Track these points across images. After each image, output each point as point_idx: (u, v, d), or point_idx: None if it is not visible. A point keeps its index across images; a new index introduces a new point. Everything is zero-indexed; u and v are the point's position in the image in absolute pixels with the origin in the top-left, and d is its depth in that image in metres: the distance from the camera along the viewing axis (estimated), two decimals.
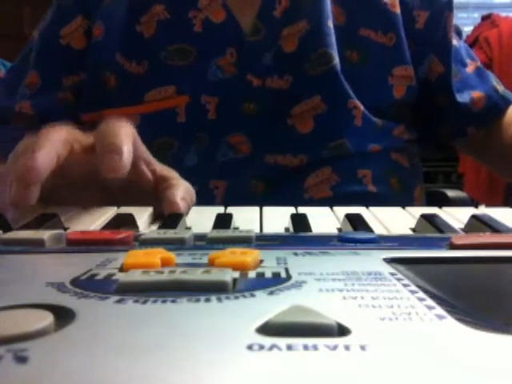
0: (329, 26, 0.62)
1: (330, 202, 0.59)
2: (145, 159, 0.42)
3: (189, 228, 0.35)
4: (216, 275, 0.18)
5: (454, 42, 0.69)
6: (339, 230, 0.34)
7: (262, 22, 0.62)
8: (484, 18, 2.34)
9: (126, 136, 0.37)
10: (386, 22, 0.64)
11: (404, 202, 0.63)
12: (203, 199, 0.59)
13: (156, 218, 0.40)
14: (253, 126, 0.61)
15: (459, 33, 0.73)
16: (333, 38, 0.62)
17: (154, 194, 0.42)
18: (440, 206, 0.42)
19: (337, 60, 0.61)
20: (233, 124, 0.61)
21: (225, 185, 0.60)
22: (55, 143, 0.36)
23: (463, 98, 0.68)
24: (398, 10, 0.65)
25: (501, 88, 0.71)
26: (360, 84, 0.62)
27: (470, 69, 0.70)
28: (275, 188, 0.61)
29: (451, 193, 0.83)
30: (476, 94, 0.68)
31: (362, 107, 0.62)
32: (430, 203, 0.72)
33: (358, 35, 0.64)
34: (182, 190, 0.41)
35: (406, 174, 0.66)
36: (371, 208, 0.40)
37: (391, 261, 0.23)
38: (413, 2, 0.66)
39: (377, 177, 0.63)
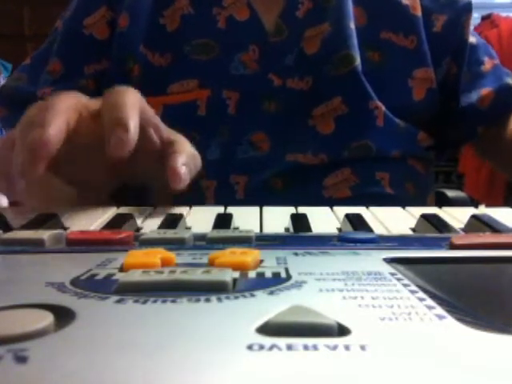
0: (351, 28, 0.62)
1: (349, 202, 0.60)
2: (153, 124, 0.42)
3: (189, 228, 0.35)
4: (216, 275, 0.18)
5: (472, 39, 0.69)
6: (339, 229, 0.34)
7: (285, 22, 0.62)
8: (484, 18, 2.34)
9: (132, 107, 0.37)
10: (407, 25, 0.65)
11: (418, 206, 0.63)
12: (224, 193, 0.60)
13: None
14: (273, 124, 0.62)
15: None
16: (354, 40, 0.62)
17: (160, 159, 0.41)
18: (440, 206, 0.42)
19: (358, 61, 0.61)
20: (253, 121, 0.62)
21: (245, 180, 0.61)
22: (65, 112, 0.36)
23: (470, 98, 0.67)
24: (419, 13, 0.65)
25: None
26: (380, 85, 0.63)
27: (486, 67, 0.69)
28: (295, 185, 0.61)
29: (451, 193, 0.83)
30: (485, 91, 0.68)
31: (383, 107, 0.62)
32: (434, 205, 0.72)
33: (379, 37, 0.64)
34: (184, 156, 0.40)
35: (421, 180, 0.66)
36: (371, 208, 0.40)
37: (391, 261, 0.23)
38: (432, 5, 0.66)
39: (394, 180, 0.63)
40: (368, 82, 0.62)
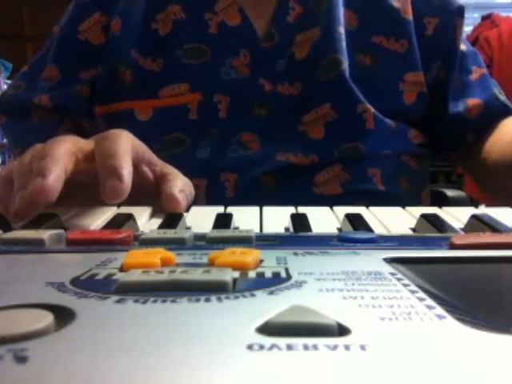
0: (339, 32, 0.62)
1: (340, 198, 0.60)
2: (146, 161, 0.43)
3: (189, 228, 0.35)
4: (216, 275, 0.18)
5: (463, 46, 0.69)
6: (339, 229, 0.34)
7: (276, 28, 0.62)
8: (484, 18, 2.34)
9: (124, 153, 0.38)
10: (399, 29, 0.65)
11: (411, 202, 0.64)
12: (214, 191, 0.60)
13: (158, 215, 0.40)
14: (263, 127, 0.62)
15: None
16: (343, 44, 0.62)
17: (155, 192, 0.42)
18: (440, 205, 0.42)
19: (345, 65, 0.62)
20: (243, 124, 0.62)
21: (235, 177, 0.61)
22: (62, 158, 0.36)
23: (457, 106, 0.68)
24: (410, 17, 0.65)
25: (502, 97, 0.70)
26: (371, 89, 0.63)
27: (474, 76, 0.69)
28: (285, 183, 0.62)
29: (451, 193, 0.83)
30: (473, 101, 0.68)
31: (372, 109, 0.62)
32: (429, 203, 0.72)
33: (370, 41, 0.64)
34: (179, 183, 0.41)
35: (414, 176, 0.66)
36: (371, 208, 0.40)
37: (391, 261, 0.23)
38: (424, 8, 0.66)
39: (386, 176, 0.63)
40: (359, 86, 0.62)
